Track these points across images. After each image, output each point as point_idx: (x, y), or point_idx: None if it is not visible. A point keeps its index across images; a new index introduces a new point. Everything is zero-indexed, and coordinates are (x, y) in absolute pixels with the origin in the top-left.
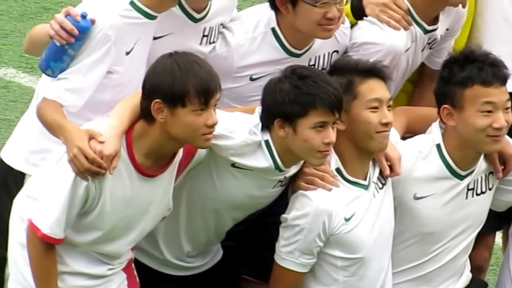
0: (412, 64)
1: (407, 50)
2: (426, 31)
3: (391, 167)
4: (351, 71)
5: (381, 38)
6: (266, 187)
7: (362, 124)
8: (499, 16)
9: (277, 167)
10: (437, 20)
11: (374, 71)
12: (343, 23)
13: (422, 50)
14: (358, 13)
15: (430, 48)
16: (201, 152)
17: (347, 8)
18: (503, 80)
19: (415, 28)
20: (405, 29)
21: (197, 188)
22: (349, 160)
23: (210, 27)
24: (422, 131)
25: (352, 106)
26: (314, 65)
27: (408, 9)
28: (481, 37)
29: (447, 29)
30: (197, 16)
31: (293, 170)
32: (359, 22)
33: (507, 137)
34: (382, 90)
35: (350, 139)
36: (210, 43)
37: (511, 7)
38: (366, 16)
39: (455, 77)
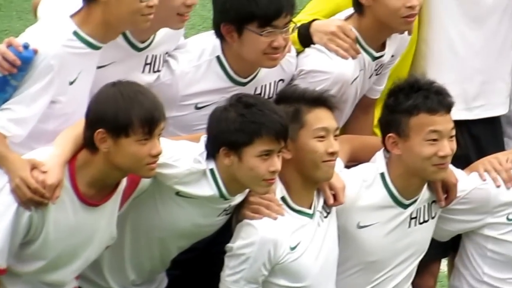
0: (361, 92)
1: (355, 79)
2: (374, 58)
3: (335, 196)
4: (298, 99)
5: (329, 67)
6: (211, 215)
7: (309, 153)
8: (445, 44)
9: (222, 195)
10: (384, 46)
11: (322, 100)
12: (289, 51)
13: (370, 77)
14: (306, 41)
15: (376, 75)
16: (145, 181)
17: (294, 36)
18: (448, 108)
19: (363, 55)
20: (353, 58)
21: (141, 216)
22: (295, 189)
23: (153, 55)
24: (366, 159)
25: (299, 135)
26: (260, 94)
27: (356, 37)
28: (426, 65)
29: (392, 56)
30: (141, 45)
31: (238, 198)
32: (307, 49)
33: (450, 165)
34: (329, 120)
35: (296, 168)
36: (154, 71)
37: (458, 35)
38: (314, 44)
39: (400, 106)
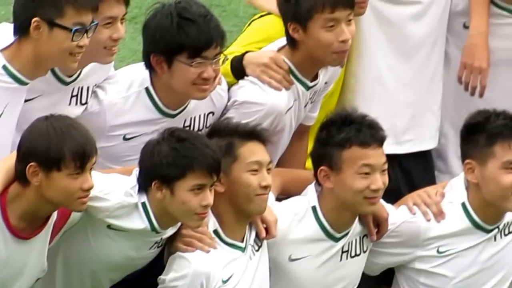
0: (297, 121)
1: (289, 109)
2: (308, 88)
3: (267, 230)
4: (231, 133)
5: (262, 98)
6: (142, 248)
7: (242, 187)
8: (374, 78)
9: (153, 228)
10: (318, 75)
11: (254, 134)
12: (219, 84)
13: (305, 106)
14: (238, 73)
15: (311, 103)
16: (76, 214)
17: (227, 68)
18: (380, 142)
19: (297, 86)
20: (287, 89)
21: (73, 249)
22: (227, 222)
23: (80, 88)
24: (298, 193)
25: (232, 169)
26: (189, 126)
27: (290, 68)
28: (354, 98)
29: (325, 83)
30: (68, 80)
31: (170, 231)
32: (241, 81)
33: (382, 201)
34: (262, 153)
35: (229, 201)
36: (81, 103)
37: (387, 69)
38: (247, 76)
39: (333, 139)
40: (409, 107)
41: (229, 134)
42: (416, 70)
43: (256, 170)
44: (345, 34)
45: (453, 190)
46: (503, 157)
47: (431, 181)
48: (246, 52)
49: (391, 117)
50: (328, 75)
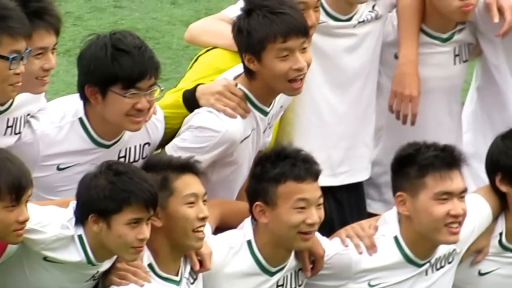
0: (256, 148)
1: (245, 138)
2: (266, 113)
3: (201, 262)
4: (165, 167)
5: (217, 126)
6: (78, 281)
7: (180, 220)
8: (311, 110)
9: (89, 261)
10: (274, 100)
11: (188, 167)
12: (154, 113)
13: (264, 132)
14: (192, 104)
15: (269, 128)
16: (12, 246)
17: (179, 100)
18: (315, 176)
19: (255, 113)
20: (243, 117)
21: (9, 280)
22: (163, 256)
23: (14, 118)
24: (236, 224)
25: (169, 203)
26: (124, 156)
27: (247, 95)
28: (292, 132)
29: (280, 106)
30: (0, 108)
31: (106, 264)
32: (196, 110)
33: (318, 234)
34: (197, 185)
35: (166, 236)
36: (15, 133)
37: (323, 101)
38: (201, 106)
39: (267, 174)
40: (344, 139)
41: (163, 168)
42: (351, 102)
43: (192, 203)
44: (300, 62)
45: (386, 223)
46: (435, 188)
47: (363, 212)
48: (198, 85)
49: (328, 149)
50: (282, 98)
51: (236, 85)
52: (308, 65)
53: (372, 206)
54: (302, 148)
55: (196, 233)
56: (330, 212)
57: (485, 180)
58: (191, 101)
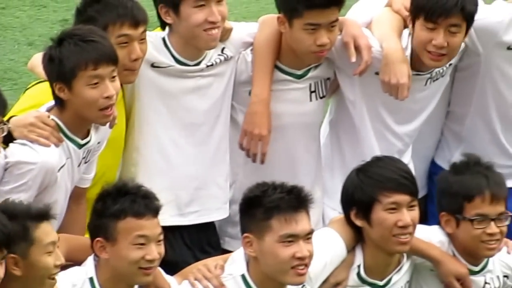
0: (72, 181)
1: (62, 167)
2: (80, 146)
3: None
4: (23, 216)
5: (33, 157)
6: None
7: (41, 269)
8: (157, 151)
9: None
10: (89, 133)
11: (47, 214)
12: None
13: (79, 165)
14: (7, 139)
15: (85, 162)
16: None
17: None
18: (155, 212)
19: (67, 143)
20: (56, 145)
21: None
22: None
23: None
24: (82, 260)
25: (30, 252)
26: None
27: (59, 126)
28: (137, 171)
29: (98, 142)
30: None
31: None
32: (11, 144)
33: (163, 273)
34: (54, 233)
35: (23, 284)
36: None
37: (170, 142)
38: (15, 139)
39: (108, 210)
40: (193, 180)
41: (21, 217)
42: (200, 143)
43: (51, 252)
44: (110, 90)
45: (234, 262)
46: (280, 230)
47: (216, 250)
48: (11, 117)
49: (175, 190)
50: (99, 134)
51: (49, 116)
52: (117, 93)
53: (230, 244)
54: (143, 185)
55: (51, 280)
56: (178, 252)
57: (329, 215)
58: (6, 135)
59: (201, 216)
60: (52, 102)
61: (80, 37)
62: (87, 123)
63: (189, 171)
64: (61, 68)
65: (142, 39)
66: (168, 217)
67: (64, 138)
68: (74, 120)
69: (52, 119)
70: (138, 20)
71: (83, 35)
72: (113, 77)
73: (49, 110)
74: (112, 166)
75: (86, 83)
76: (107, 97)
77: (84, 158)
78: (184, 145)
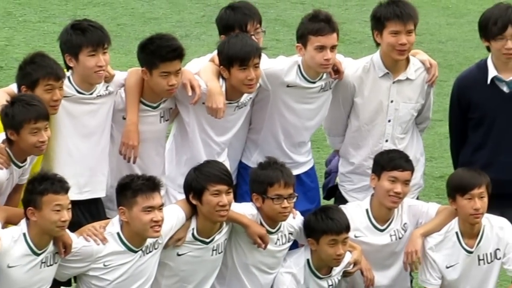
0: (12, 185)
1: (7, 179)
2: (19, 167)
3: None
4: None
5: None
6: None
7: None
8: (65, 150)
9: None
10: (26, 160)
11: None
12: None
13: (20, 176)
14: None
15: (23, 175)
16: None
17: None
18: (66, 191)
19: (12, 165)
20: (7, 168)
21: None
22: None
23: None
24: (16, 223)
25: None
26: None
27: (9, 154)
28: (52, 164)
29: (27, 166)
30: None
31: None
32: None
33: (69, 232)
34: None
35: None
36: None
37: (73, 145)
38: None
39: (36, 189)
40: (87, 170)
41: None
42: (92, 147)
43: None
44: (44, 137)
45: (113, 225)
46: (142, 203)
47: (102, 217)
48: None
49: (76, 177)
50: (32, 158)
51: (5, 148)
52: (48, 138)
53: (110, 214)
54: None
55: None
56: (77, 217)
57: (172, 192)
58: None
59: (92, 194)
60: (3, 135)
61: (26, 102)
62: (26, 155)
63: (85, 164)
64: (13, 121)
65: (61, 87)
66: (72, 194)
67: (11, 163)
68: (18, 152)
69: (6, 150)
70: (59, 75)
71: (28, 100)
72: (46, 128)
73: (3, 142)
74: (38, 163)
75: (29, 132)
76: (42, 141)
77: (22, 174)
78: (82, 148)
